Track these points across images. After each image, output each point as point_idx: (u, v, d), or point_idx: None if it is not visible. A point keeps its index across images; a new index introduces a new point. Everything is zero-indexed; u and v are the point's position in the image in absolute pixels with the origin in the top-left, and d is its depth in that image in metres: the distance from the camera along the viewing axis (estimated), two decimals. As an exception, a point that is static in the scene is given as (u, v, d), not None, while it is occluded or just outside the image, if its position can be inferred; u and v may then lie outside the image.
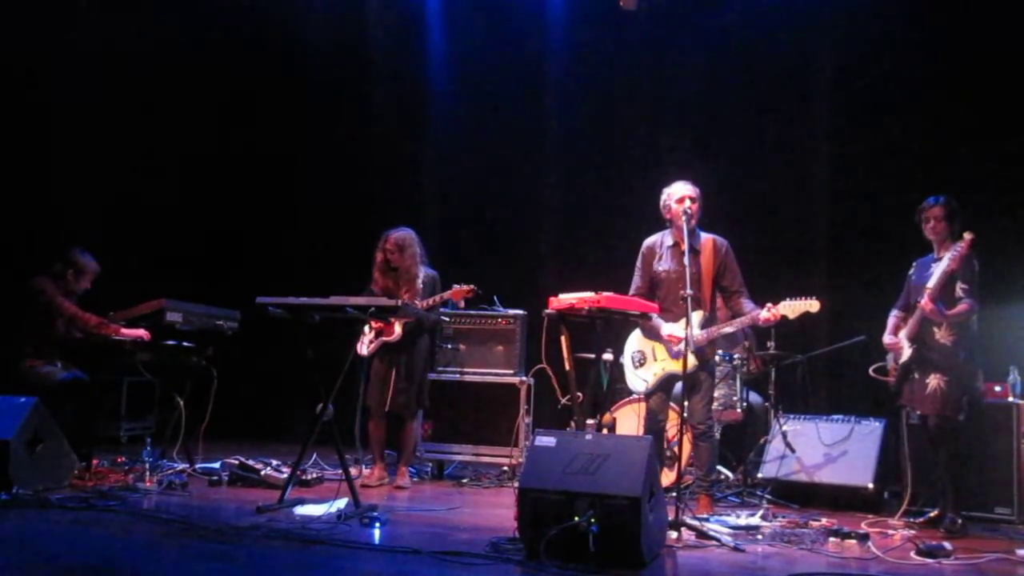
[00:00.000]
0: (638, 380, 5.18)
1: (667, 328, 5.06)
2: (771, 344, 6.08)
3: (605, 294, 4.70)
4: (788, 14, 7.35)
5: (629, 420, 5.74)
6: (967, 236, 4.69)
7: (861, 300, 6.36)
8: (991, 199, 6.20)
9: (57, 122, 7.42)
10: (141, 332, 5.76)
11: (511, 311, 6.41)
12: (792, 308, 4.89)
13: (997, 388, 5.42)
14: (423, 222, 6.55)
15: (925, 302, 4.75)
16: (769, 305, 4.90)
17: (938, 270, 4.79)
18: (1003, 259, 5.76)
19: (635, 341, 5.25)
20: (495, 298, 6.41)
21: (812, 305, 4.87)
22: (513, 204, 8.22)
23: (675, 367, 5.00)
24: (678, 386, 5.12)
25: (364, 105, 8.61)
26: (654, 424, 5.12)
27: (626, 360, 5.26)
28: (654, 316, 5.05)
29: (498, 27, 8.24)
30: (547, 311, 4.86)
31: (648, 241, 5.28)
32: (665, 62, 7.77)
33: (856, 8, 7.19)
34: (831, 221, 7.32)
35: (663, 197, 5.15)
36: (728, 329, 5.08)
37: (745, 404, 6.13)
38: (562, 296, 4.77)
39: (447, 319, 6.42)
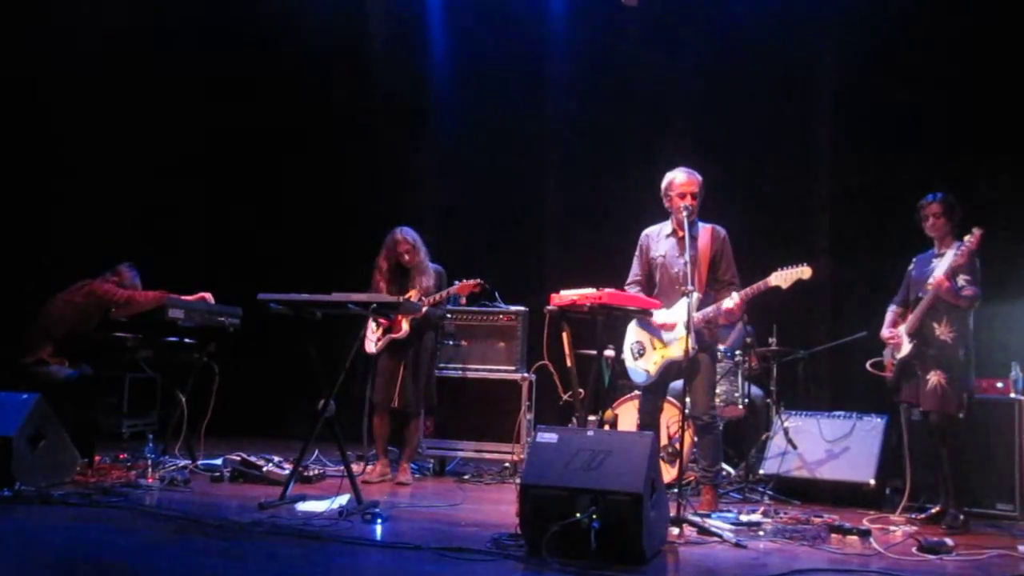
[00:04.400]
0: (639, 371, 5.15)
1: (660, 316, 5.02)
2: (773, 340, 6.08)
3: (607, 291, 4.68)
4: (790, 11, 7.33)
5: (631, 416, 5.72)
6: (976, 231, 4.62)
7: (862, 296, 6.36)
8: (993, 194, 6.19)
9: (58, 120, 7.41)
10: (206, 295, 6.04)
11: (513, 307, 6.41)
12: (784, 277, 4.77)
13: (999, 384, 5.40)
14: (424, 218, 6.55)
15: (940, 279, 4.66)
16: (744, 291, 4.86)
17: (943, 264, 4.77)
18: (1004, 254, 5.75)
19: (632, 332, 5.20)
20: (496, 294, 6.41)
21: (804, 272, 4.74)
22: (514, 200, 8.21)
23: (674, 353, 4.97)
24: (678, 382, 5.10)
25: (365, 102, 8.59)
26: (645, 419, 5.09)
27: (626, 352, 5.23)
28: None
29: (498, 23, 8.22)
30: (548, 308, 4.83)
31: (647, 230, 5.26)
32: (666, 59, 7.76)
33: (858, 5, 7.18)
34: (832, 217, 7.32)
35: (664, 183, 5.08)
36: (698, 316, 4.99)
37: (747, 400, 6.13)
38: (563, 292, 4.74)
39: (449, 316, 6.43)
